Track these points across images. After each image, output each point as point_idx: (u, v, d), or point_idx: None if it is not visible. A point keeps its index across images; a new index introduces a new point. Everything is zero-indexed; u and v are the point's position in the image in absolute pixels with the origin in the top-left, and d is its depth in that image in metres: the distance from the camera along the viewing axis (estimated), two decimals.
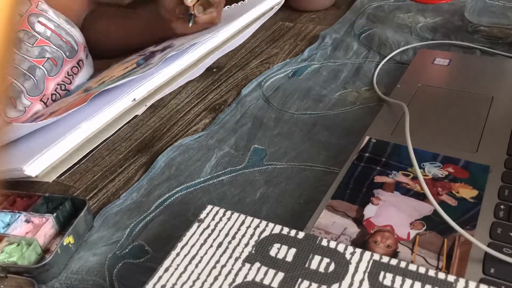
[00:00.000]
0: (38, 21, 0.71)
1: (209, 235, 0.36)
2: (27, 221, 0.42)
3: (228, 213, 0.38)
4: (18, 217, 0.41)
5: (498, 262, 0.35)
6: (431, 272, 0.32)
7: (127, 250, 0.40)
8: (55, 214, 0.42)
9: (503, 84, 0.58)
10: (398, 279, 0.32)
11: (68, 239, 0.40)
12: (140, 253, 0.40)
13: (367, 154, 0.47)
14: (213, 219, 0.38)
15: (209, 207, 0.39)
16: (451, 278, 0.31)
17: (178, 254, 0.35)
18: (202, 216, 0.38)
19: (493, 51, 0.66)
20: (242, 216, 0.38)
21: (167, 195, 0.46)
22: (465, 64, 0.64)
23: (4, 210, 0.42)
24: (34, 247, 0.39)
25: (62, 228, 0.43)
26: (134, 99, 0.47)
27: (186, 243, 0.36)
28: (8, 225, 0.41)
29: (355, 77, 0.63)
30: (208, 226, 0.37)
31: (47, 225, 0.41)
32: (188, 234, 0.37)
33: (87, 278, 0.38)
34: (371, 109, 0.56)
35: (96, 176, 0.50)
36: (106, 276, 0.38)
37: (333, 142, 0.51)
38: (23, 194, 0.45)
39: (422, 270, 0.32)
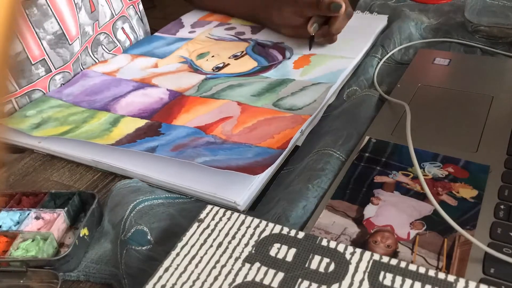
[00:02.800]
0: (122, 28, 0.76)
1: (209, 235, 0.36)
2: (37, 217, 0.42)
3: (228, 213, 0.38)
4: (28, 214, 0.42)
5: (498, 262, 0.35)
6: (431, 272, 0.32)
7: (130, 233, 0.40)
8: (66, 209, 0.42)
9: (503, 84, 0.58)
10: (398, 279, 0.32)
11: (84, 231, 0.41)
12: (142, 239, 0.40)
13: (367, 154, 0.47)
14: (213, 219, 0.38)
15: (209, 207, 0.39)
16: (451, 278, 0.31)
17: (178, 254, 0.35)
18: (202, 216, 0.38)
19: (494, 51, 0.66)
20: (242, 216, 0.38)
21: (178, 194, 0.46)
22: (465, 64, 0.64)
23: (13, 209, 0.43)
24: (50, 241, 0.40)
25: (73, 222, 0.43)
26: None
27: (186, 243, 0.36)
28: (18, 223, 0.42)
29: (356, 75, 0.63)
30: (208, 226, 0.37)
31: (60, 220, 0.42)
32: (188, 234, 0.37)
33: (103, 267, 0.39)
34: (374, 104, 0.56)
35: (96, 176, 0.50)
36: (119, 265, 0.39)
37: (340, 127, 0.51)
38: (28, 192, 0.45)
39: (422, 270, 0.32)
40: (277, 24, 0.72)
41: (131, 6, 0.77)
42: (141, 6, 0.79)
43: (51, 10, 0.61)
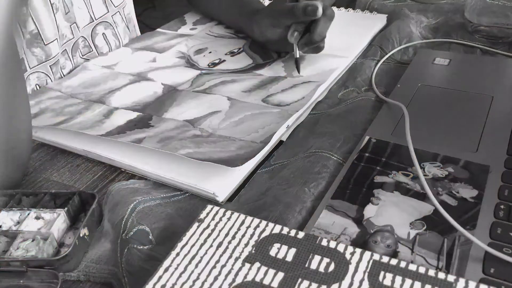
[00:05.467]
0: (103, 34, 0.72)
1: (209, 235, 0.36)
2: (37, 217, 0.42)
3: (228, 213, 0.38)
4: (28, 214, 0.42)
5: (498, 262, 0.35)
6: (431, 272, 0.32)
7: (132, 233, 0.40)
8: (66, 209, 0.42)
9: (503, 84, 0.58)
10: (398, 279, 0.32)
11: (84, 231, 0.41)
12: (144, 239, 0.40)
13: (367, 154, 0.47)
14: (213, 219, 0.38)
15: (209, 207, 0.39)
16: (451, 278, 0.31)
17: (178, 254, 0.35)
18: (202, 216, 0.38)
19: (494, 51, 0.66)
20: (242, 216, 0.38)
21: (173, 193, 0.46)
22: (465, 64, 0.64)
23: (13, 209, 0.43)
24: (50, 241, 0.40)
25: (73, 222, 0.43)
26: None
27: (186, 243, 0.36)
28: (18, 223, 0.42)
29: (355, 76, 0.63)
30: (208, 226, 0.37)
31: (60, 220, 0.42)
32: (188, 234, 0.37)
33: (103, 267, 0.39)
34: (371, 108, 0.56)
35: (96, 176, 0.50)
36: (118, 264, 0.39)
37: (337, 131, 0.52)
38: (28, 192, 0.45)
39: (422, 270, 0.32)
40: (260, 40, 0.68)
41: (117, 13, 0.74)
42: (126, 11, 0.76)
43: (28, 9, 0.59)
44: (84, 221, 0.41)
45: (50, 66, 0.64)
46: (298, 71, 0.62)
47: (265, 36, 0.66)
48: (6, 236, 0.41)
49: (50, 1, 0.62)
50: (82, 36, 0.69)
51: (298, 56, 0.62)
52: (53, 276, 0.37)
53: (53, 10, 0.62)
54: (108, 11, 0.72)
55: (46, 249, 0.39)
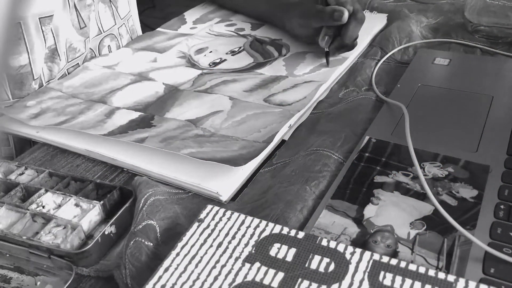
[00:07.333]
0: (109, 46, 0.72)
1: (209, 235, 0.36)
2: (76, 205, 0.43)
3: (228, 213, 0.38)
4: (69, 200, 0.43)
5: (498, 262, 0.35)
6: (431, 272, 0.32)
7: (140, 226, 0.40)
8: (102, 202, 0.43)
9: (503, 84, 0.58)
10: (398, 279, 0.32)
11: (110, 229, 0.41)
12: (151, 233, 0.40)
13: (367, 154, 0.47)
14: (213, 219, 0.38)
15: (209, 206, 0.39)
16: (451, 278, 0.31)
17: (178, 254, 0.35)
18: (202, 216, 0.38)
19: (494, 51, 0.66)
20: (242, 216, 0.38)
21: (178, 190, 0.46)
22: (465, 64, 0.64)
23: (58, 192, 0.44)
24: (77, 233, 0.40)
25: (108, 216, 0.43)
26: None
27: (186, 243, 0.36)
28: (59, 206, 0.43)
29: (355, 76, 0.63)
30: (208, 226, 0.37)
31: (93, 212, 0.42)
32: (188, 234, 0.37)
33: (117, 262, 0.39)
34: (371, 107, 0.56)
35: (96, 176, 0.50)
36: (123, 255, 0.38)
37: (338, 130, 0.52)
38: (77, 177, 0.46)
39: (422, 270, 0.32)
40: (291, 34, 0.72)
41: (123, 25, 0.74)
42: (131, 22, 0.76)
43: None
44: (113, 219, 0.41)
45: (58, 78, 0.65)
46: (328, 64, 0.64)
47: (295, 34, 0.70)
48: (43, 217, 0.42)
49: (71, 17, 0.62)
50: (90, 48, 0.69)
51: (327, 49, 0.64)
52: (69, 268, 0.38)
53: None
54: (115, 24, 0.72)
55: (71, 240, 0.39)
